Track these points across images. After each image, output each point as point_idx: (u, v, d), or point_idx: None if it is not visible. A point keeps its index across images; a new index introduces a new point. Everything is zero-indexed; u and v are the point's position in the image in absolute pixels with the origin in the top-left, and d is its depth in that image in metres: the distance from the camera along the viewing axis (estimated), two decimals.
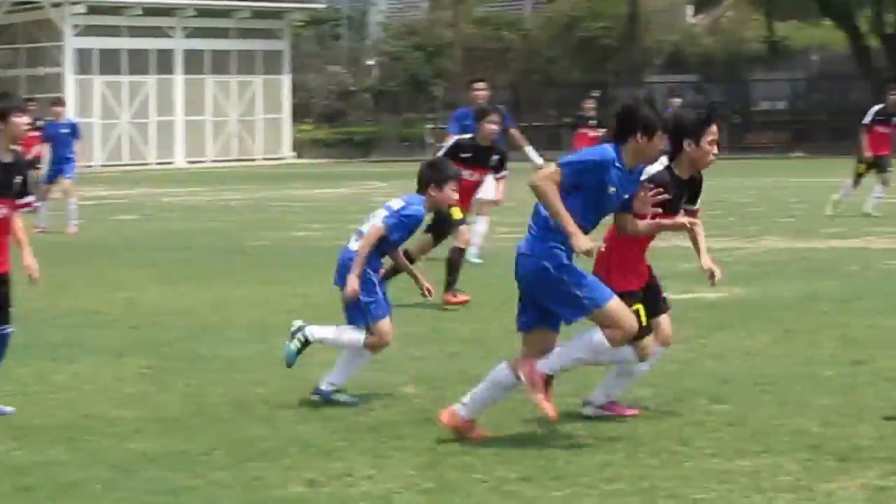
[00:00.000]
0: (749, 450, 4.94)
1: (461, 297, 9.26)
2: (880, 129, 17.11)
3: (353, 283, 5.75)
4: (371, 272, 5.88)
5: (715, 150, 5.35)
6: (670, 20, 42.61)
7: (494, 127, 9.91)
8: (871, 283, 10.46)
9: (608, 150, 4.98)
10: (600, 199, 4.91)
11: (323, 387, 5.87)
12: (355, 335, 5.87)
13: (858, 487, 4.38)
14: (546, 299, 4.96)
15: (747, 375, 6.50)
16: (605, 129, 15.50)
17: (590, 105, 22.13)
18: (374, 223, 5.93)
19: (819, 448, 4.92)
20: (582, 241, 4.75)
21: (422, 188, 6.15)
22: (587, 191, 4.88)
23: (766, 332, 7.92)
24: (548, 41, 41.73)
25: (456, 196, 6.48)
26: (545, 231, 4.89)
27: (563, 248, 4.84)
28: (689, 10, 44.12)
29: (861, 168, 17.03)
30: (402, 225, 5.98)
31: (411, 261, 7.47)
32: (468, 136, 10.08)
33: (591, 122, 21.49)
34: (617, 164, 4.88)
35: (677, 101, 21.45)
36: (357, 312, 5.85)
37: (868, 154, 16.87)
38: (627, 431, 5.28)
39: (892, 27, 38.90)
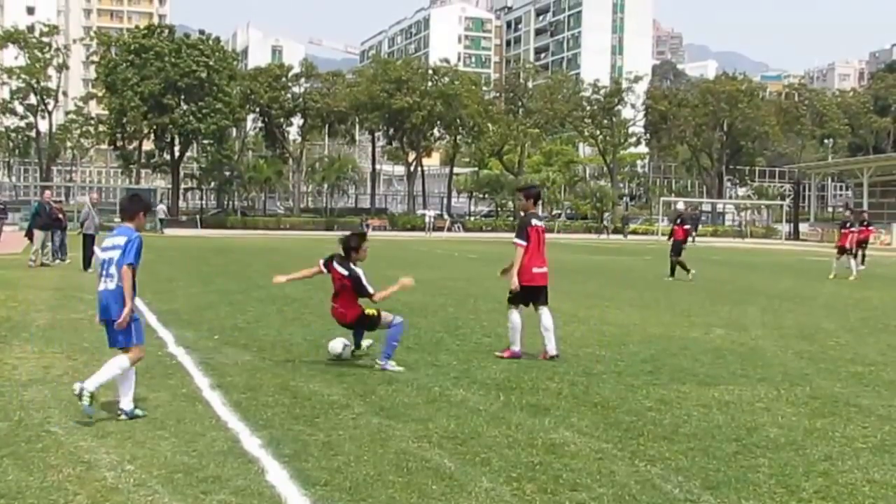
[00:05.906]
0: None
1: None
2: None
3: (126, 313, 6.70)
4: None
5: None
6: None
7: None
8: None
9: None
10: None
11: (124, 406, 6.74)
12: (119, 362, 6.79)
13: None
14: None
15: None
16: None
17: None
18: (122, 264, 6.72)
19: None
20: None
21: None
22: None
23: None
24: None
25: None
26: None
27: None
28: None
29: None
30: (138, 251, 6.86)
31: None
32: None
33: None
34: None
35: None
36: (124, 335, 6.81)
37: None
38: None
39: None
